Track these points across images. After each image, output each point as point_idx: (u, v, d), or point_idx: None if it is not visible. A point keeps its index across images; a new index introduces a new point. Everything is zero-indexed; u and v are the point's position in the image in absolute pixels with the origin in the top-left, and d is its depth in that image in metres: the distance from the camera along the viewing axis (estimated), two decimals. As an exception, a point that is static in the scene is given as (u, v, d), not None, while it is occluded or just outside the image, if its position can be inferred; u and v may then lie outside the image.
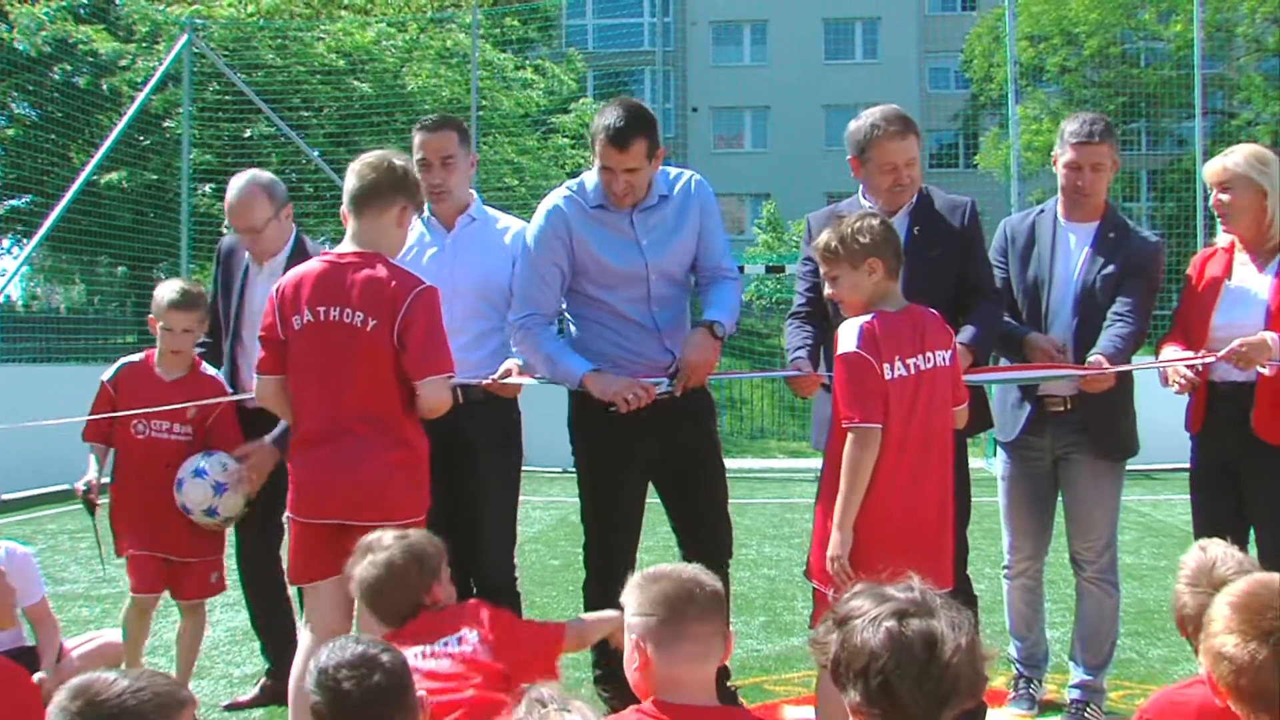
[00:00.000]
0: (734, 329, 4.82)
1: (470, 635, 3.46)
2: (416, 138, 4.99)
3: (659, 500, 4.96)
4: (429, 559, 3.60)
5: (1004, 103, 21.16)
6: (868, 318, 4.01)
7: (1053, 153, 5.08)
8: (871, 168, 4.74)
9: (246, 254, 5.33)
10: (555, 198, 4.88)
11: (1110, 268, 4.86)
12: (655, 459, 4.74)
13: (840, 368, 3.99)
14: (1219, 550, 3.02)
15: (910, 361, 3.97)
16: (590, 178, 4.83)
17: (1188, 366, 4.64)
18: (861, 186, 4.87)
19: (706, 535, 4.87)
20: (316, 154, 17.62)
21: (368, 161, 4.26)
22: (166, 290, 5.17)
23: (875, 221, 4.12)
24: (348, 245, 4.25)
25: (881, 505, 3.93)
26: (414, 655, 3.28)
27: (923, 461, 4.00)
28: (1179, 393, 4.71)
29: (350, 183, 4.25)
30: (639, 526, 4.91)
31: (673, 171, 4.90)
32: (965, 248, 4.78)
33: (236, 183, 5.21)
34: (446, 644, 3.44)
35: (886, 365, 3.94)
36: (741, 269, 17.63)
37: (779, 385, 18.41)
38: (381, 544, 3.60)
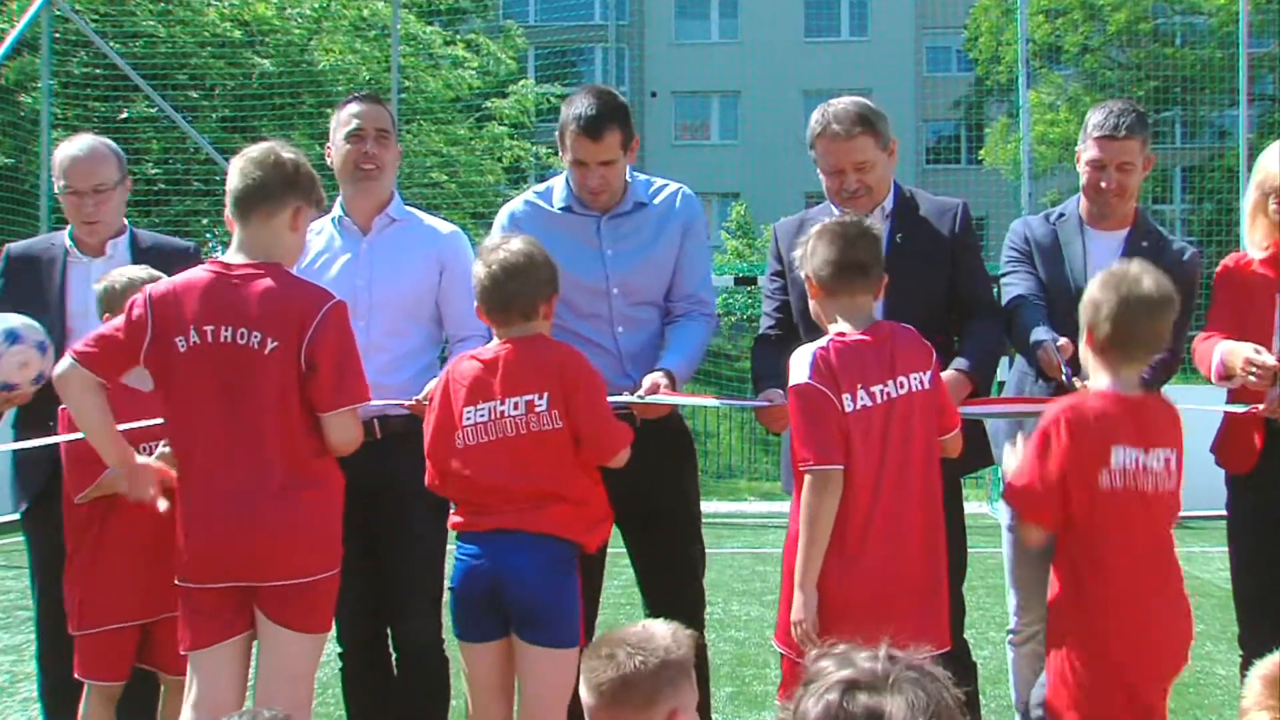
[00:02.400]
0: (689, 374, 4.93)
1: (540, 403, 4.22)
2: (350, 107, 5.09)
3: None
4: (558, 271, 4.40)
5: (1014, 88, 21.36)
6: (822, 342, 4.11)
7: (1076, 148, 5.15)
8: (819, 169, 4.90)
9: (65, 249, 5.28)
10: (515, 203, 5.07)
11: None
12: (620, 502, 4.79)
13: (792, 402, 4.09)
14: None
15: (875, 389, 4.05)
16: (559, 182, 5.00)
17: (1257, 374, 4.61)
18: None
19: (676, 604, 4.93)
20: (207, 141, 17.55)
21: (251, 157, 4.27)
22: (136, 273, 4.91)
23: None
24: (236, 255, 4.25)
25: (856, 558, 3.99)
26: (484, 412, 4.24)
27: (902, 503, 4.06)
28: (1257, 385, 4.64)
29: (233, 182, 4.27)
30: (599, 583, 5.02)
31: (657, 181, 5.07)
32: (956, 257, 4.88)
33: (78, 139, 5.33)
34: (516, 405, 4.23)
35: (846, 396, 4.02)
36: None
37: (750, 416, 18.46)
38: (518, 240, 4.39)
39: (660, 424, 4.83)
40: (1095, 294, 4.10)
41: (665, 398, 4.66)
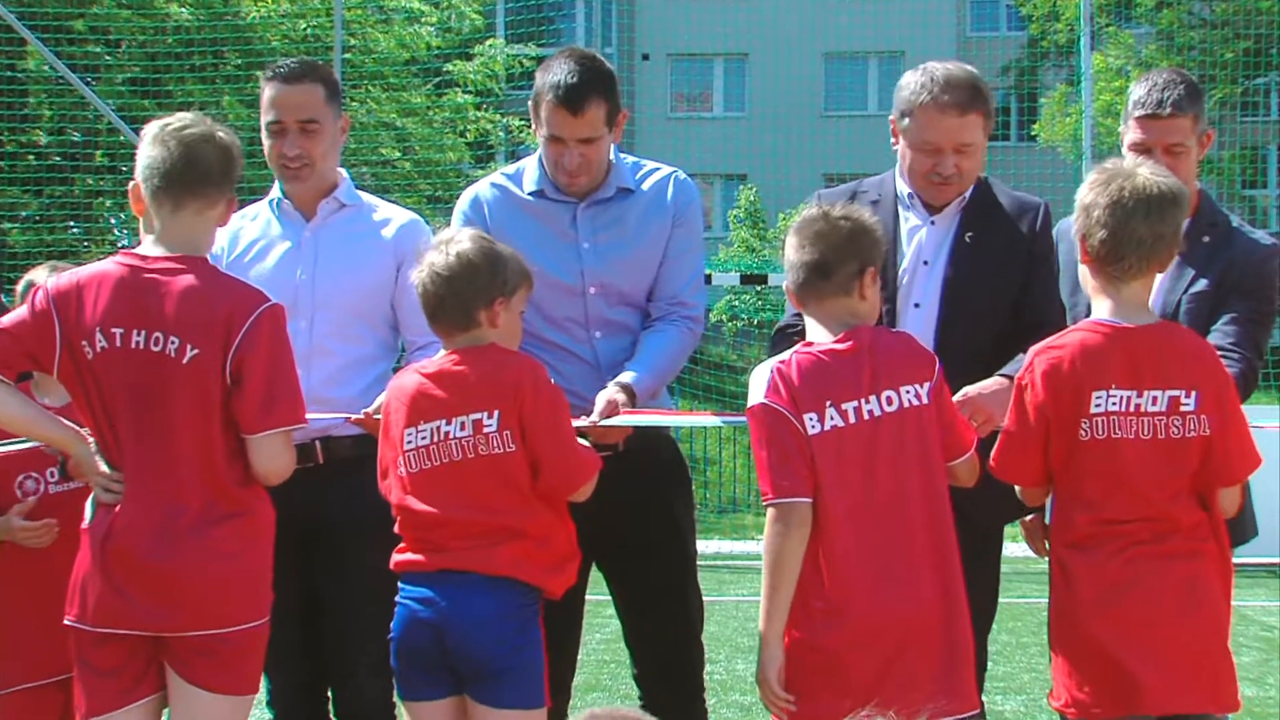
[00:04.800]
0: (658, 390, 4.94)
1: (490, 423, 4.23)
2: (267, 91, 5.04)
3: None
4: (511, 271, 4.42)
5: (1075, 50, 21.35)
6: (785, 356, 4.16)
7: (1120, 129, 5.11)
8: (910, 142, 4.82)
9: None
10: (480, 185, 5.08)
11: (1202, 283, 4.85)
12: (601, 541, 4.82)
13: (750, 427, 4.15)
14: None
15: (849, 406, 4.08)
16: (531, 162, 5.01)
17: None
18: (899, 163, 4.94)
19: (670, 662, 5.02)
20: (110, 108, 17.51)
21: (188, 131, 4.25)
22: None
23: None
24: (154, 246, 4.26)
25: (842, 605, 4.02)
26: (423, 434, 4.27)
27: (900, 540, 4.09)
28: None
29: (156, 156, 4.25)
30: (577, 634, 5.03)
31: (647, 163, 5.09)
32: (1031, 266, 4.85)
33: None
34: (462, 425, 4.24)
35: (809, 416, 4.07)
36: (709, 278, 17.55)
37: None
38: (459, 237, 4.41)
39: (648, 446, 4.86)
40: (1085, 197, 4.19)
41: (630, 418, 4.66)
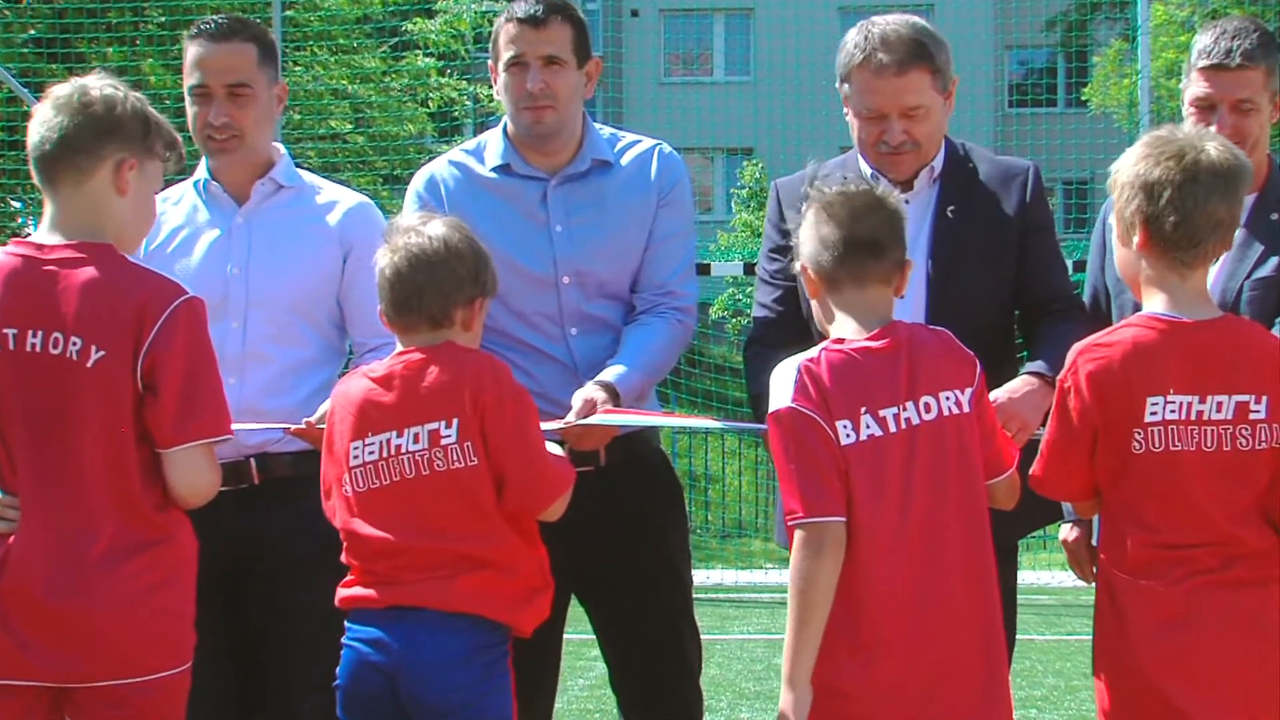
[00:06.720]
0: (645, 392, 4.95)
1: (448, 433, 4.20)
2: (190, 50, 5.04)
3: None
4: (493, 273, 4.41)
5: (1130, 1, 21.36)
6: (812, 353, 4.12)
7: (1181, 85, 5.13)
8: (853, 109, 4.91)
9: None
10: (437, 163, 5.08)
11: (1270, 265, 4.87)
12: (581, 570, 4.83)
13: (772, 434, 4.12)
14: None
15: (888, 414, 4.06)
16: (494, 135, 5.03)
17: None
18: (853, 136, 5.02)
19: (663, 709, 5.04)
20: (11, 73, 17.49)
21: (55, 100, 4.23)
22: None
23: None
24: (50, 233, 4.24)
25: (875, 643, 4.01)
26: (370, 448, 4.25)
27: (938, 567, 4.07)
28: None
29: (30, 136, 4.25)
30: (553, 677, 5.05)
31: (626, 135, 5.12)
32: (1026, 238, 4.90)
33: None
34: (416, 437, 4.22)
35: (843, 423, 4.03)
36: (707, 268, 17.60)
37: (766, 455, 18.39)
38: (437, 221, 4.40)
39: (634, 458, 4.88)
40: (1145, 172, 4.08)
41: (611, 417, 4.65)
